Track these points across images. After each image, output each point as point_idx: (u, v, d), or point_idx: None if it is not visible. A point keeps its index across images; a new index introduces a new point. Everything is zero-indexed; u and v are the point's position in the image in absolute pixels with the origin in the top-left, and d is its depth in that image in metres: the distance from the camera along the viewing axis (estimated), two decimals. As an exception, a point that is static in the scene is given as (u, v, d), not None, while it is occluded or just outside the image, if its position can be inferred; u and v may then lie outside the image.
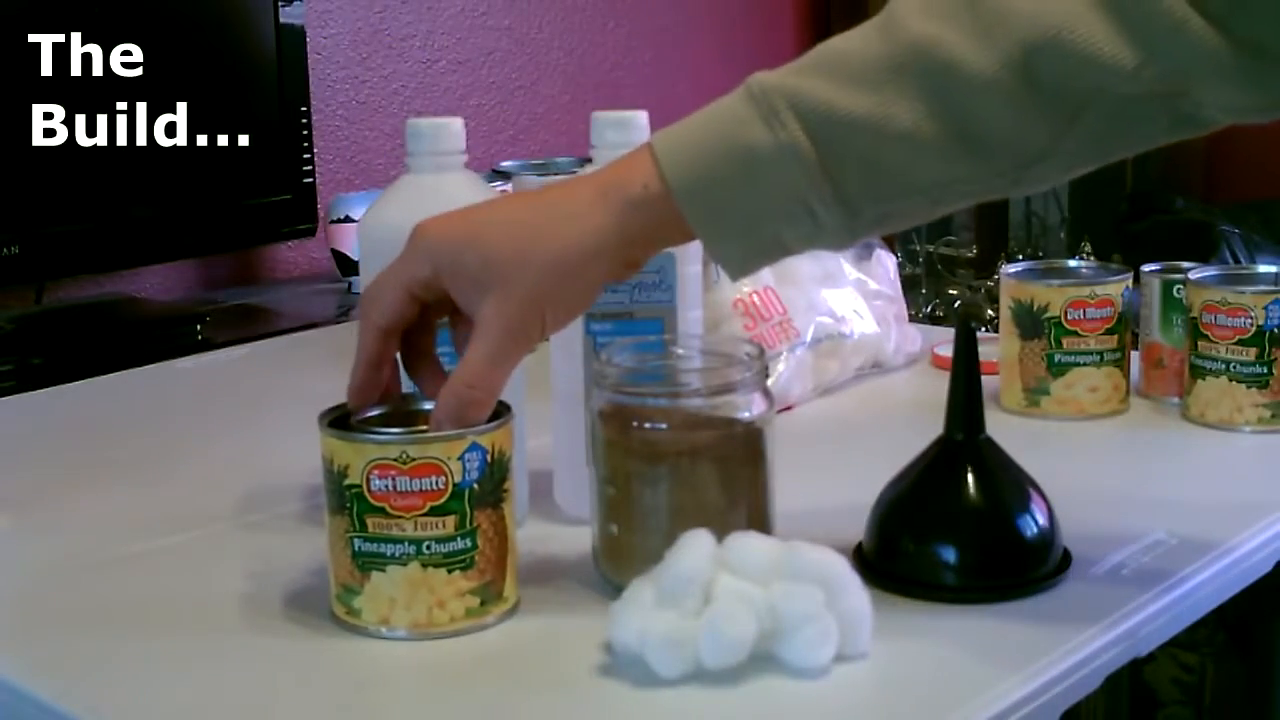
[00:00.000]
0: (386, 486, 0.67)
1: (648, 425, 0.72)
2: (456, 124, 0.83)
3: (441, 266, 0.69)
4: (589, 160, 0.84)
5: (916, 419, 0.83)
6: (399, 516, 0.67)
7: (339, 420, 0.71)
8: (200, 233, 1.57)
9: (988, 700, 0.62)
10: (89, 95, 1.41)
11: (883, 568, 0.74)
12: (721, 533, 0.67)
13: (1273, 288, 1.01)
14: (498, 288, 0.68)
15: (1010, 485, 0.76)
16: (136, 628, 0.73)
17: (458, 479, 0.67)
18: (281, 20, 1.58)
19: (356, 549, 0.68)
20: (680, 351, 0.80)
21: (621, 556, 0.73)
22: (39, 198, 1.41)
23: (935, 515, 0.75)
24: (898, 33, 0.67)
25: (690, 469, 0.72)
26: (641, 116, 0.84)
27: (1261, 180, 2.55)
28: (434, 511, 0.67)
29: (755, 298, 1.10)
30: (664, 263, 0.81)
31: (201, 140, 1.51)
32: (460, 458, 0.67)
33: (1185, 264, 1.10)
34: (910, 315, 1.27)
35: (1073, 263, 1.14)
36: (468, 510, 0.68)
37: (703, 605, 0.65)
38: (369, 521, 0.68)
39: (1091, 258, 2.35)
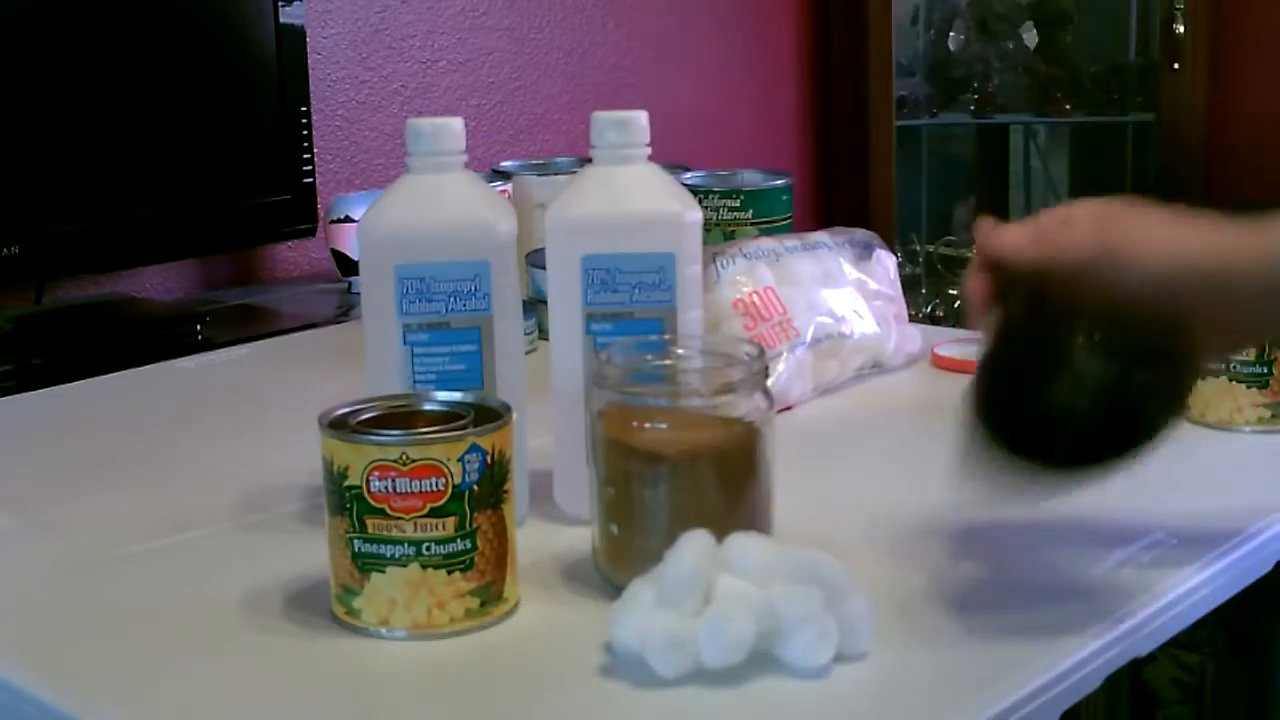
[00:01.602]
0: (386, 488, 0.67)
1: (648, 425, 0.72)
2: (456, 124, 0.83)
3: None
4: (589, 160, 0.84)
5: (916, 419, 0.83)
6: (399, 518, 0.67)
7: (339, 421, 0.71)
8: (200, 233, 1.57)
9: (988, 700, 0.62)
10: (89, 94, 1.41)
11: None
12: (721, 533, 0.67)
13: (1273, 288, 1.01)
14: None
15: None
16: (136, 628, 0.73)
17: (457, 480, 0.67)
18: (281, 20, 1.57)
19: (356, 550, 0.69)
20: (680, 351, 0.80)
21: (621, 556, 0.73)
22: (39, 198, 1.41)
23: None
24: None
25: (690, 469, 0.72)
26: (641, 116, 0.84)
27: (1261, 180, 2.55)
28: (434, 513, 0.67)
29: (755, 298, 1.10)
30: (664, 263, 0.81)
31: (201, 140, 1.51)
32: (460, 459, 0.67)
33: (1185, 264, 1.09)
34: (910, 315, 1.27)
35: (1073, 263, 1.14)
36: (467, 511, 0.68)
37: (703, 605, 0.65)
38: (369, 522, 0.68)
39: (1091, 258, 2.35)
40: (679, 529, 0.68)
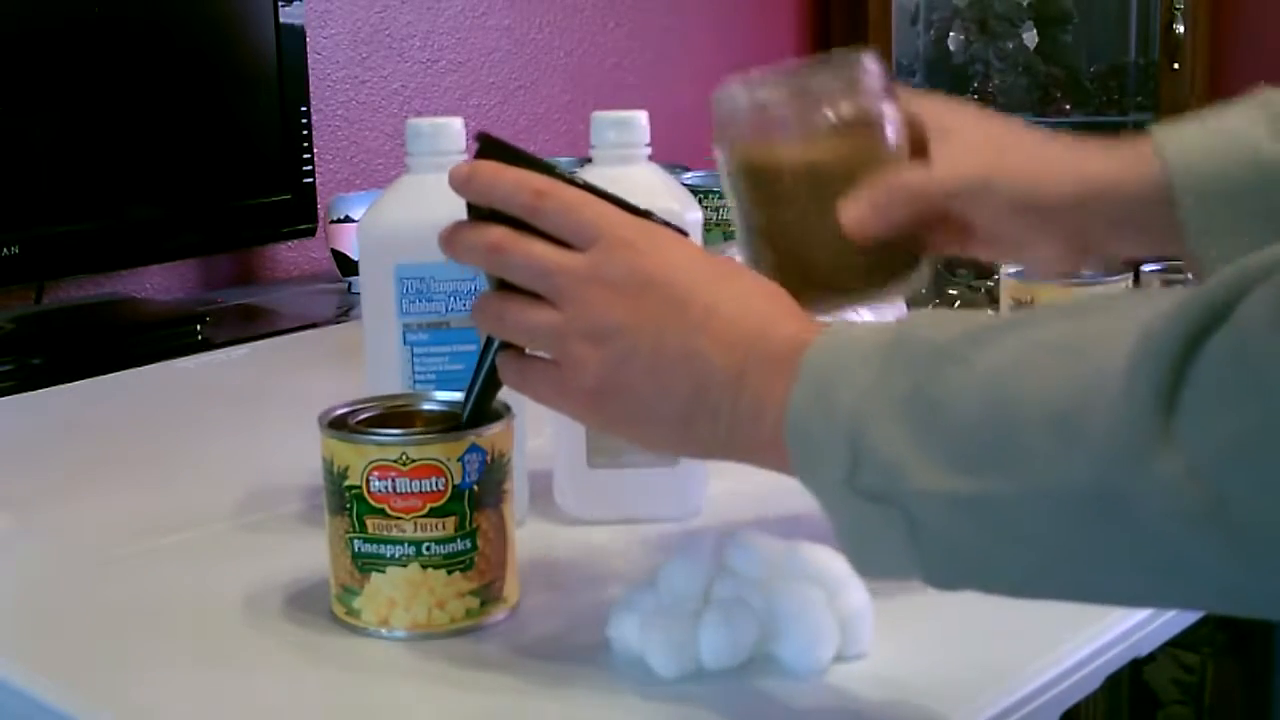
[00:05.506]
0: (386, 487, 0.67)
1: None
2: (456, 124, 0.83)
3: None
4: (589, 160, 0.84)
5: (916, 419, 0.83)
6: (399, 518, 0.67)
7: (339, 421, 0.71)
8: (200, 233, 1.57)
9: (988, 700, 0.62)
10: (89, 94, 1.41)
11: None
12: None
13: (1273, 288, 1.01)
14: None
15: None
16: (136, 628, 0.73)
17: (457, 480, 0.67)
18: (281, 20, 1.57)
19: (356, 550, 0.69)
20: None
21: (794, 280, 0.67)
22: (39, 198, 1.41)
23: None
24: None
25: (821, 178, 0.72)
26: (641, 116, 0.84)
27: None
28: (434, 513, 0.67)
29: (755, 298, 1.10)
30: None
31: (202, 140, 1.51)
32: (460, 459, 0.67)
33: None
34: (910, 315, 1.27)
35: (1073, 263, 1.14)
36: (467, 511, 0.68)
37: (703, 605, 0.65)
38: (369, 522, 0.68)
39: (1091, 257, 2.35)
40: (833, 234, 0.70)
